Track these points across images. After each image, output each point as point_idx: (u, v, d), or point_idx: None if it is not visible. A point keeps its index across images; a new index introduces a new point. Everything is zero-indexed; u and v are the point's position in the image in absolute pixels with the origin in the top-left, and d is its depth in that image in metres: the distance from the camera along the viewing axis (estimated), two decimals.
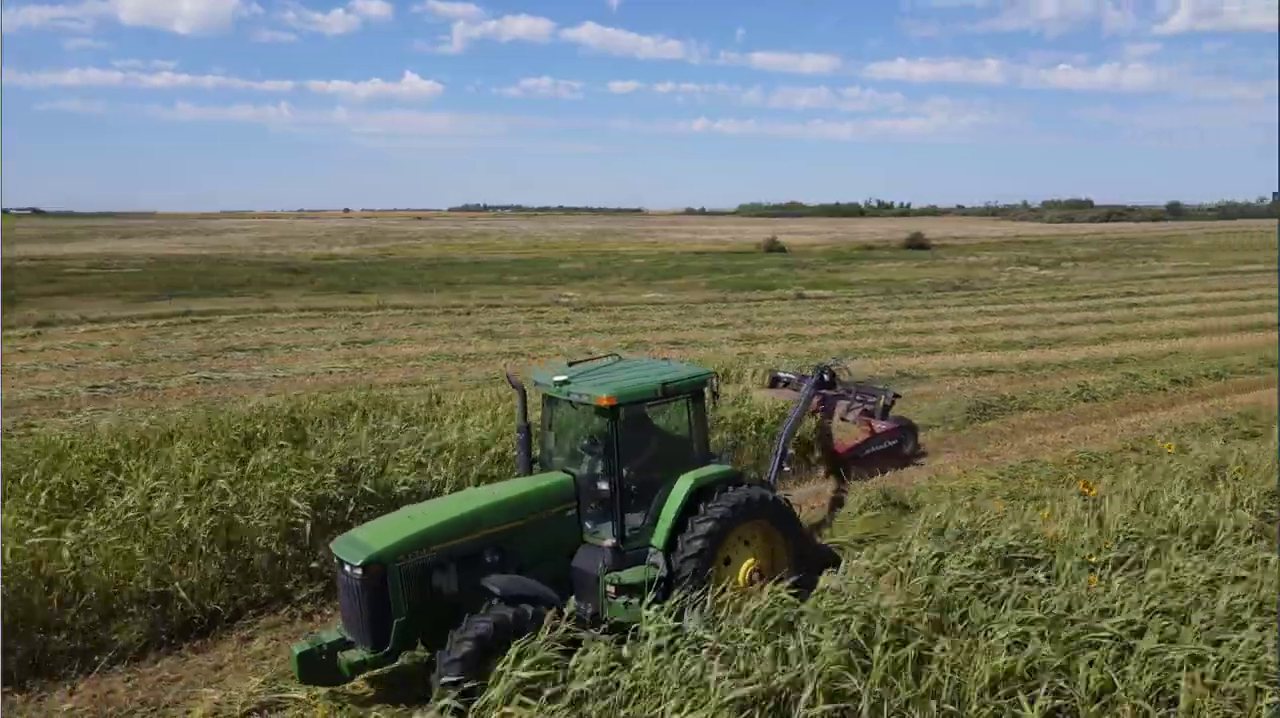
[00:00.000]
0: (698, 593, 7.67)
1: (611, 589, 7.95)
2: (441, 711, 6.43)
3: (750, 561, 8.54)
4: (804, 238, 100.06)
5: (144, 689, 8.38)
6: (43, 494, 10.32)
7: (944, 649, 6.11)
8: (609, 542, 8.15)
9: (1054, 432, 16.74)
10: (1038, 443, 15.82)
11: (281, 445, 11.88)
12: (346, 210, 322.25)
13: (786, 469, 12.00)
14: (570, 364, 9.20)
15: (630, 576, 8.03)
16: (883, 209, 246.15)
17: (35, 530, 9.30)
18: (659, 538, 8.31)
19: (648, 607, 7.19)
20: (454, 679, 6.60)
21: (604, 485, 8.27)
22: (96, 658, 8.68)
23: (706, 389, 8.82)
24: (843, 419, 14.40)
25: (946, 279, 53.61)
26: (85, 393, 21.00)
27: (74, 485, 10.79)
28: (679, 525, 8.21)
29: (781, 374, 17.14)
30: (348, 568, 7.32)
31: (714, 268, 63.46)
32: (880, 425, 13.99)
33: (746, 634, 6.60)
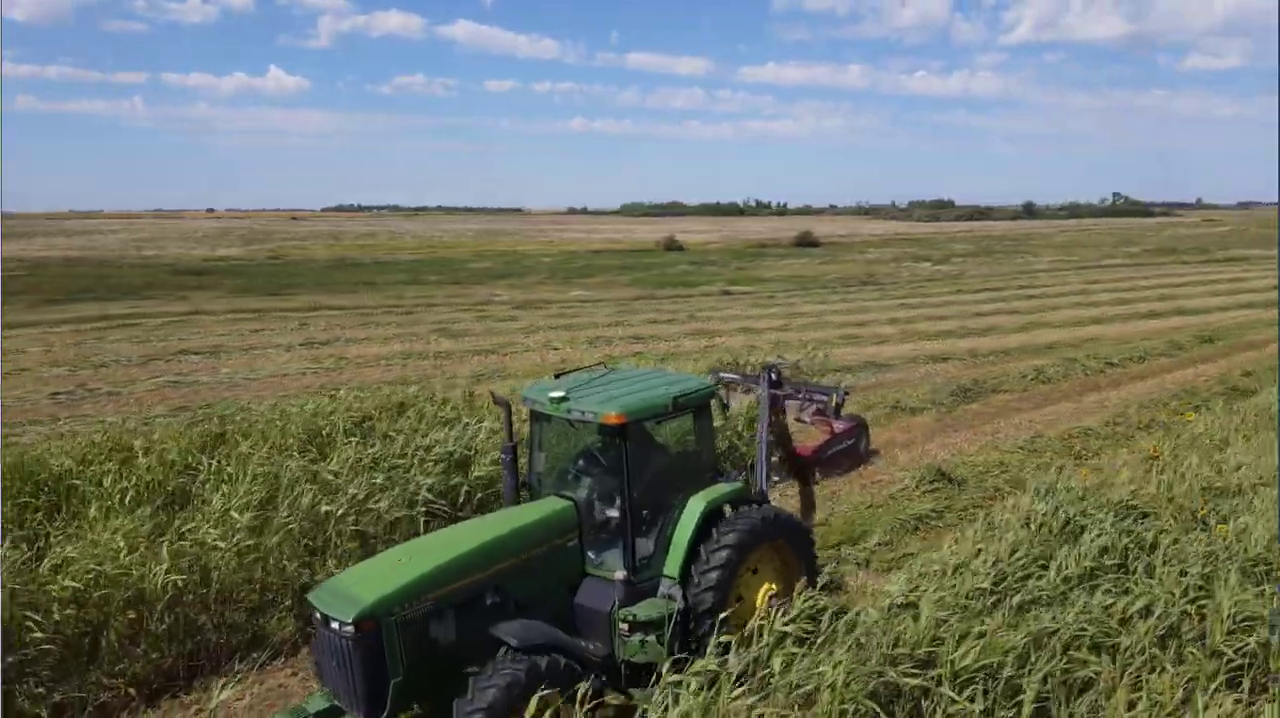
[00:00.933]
0: (715, 626, 6.96)
1: (625, 627, 7.15)
2: None
3: (767, 585, 7.89)
4: (698, 237, 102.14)
5: (312, 680, 8.46)
6: (126, 495, 10.08)
7: None
8: (620, 574, 7.29)
9: (1030, 411, 18.30)
10: (1025, 421, 17.29)
11: (353, 440, 11.92)
12: (211, 210, 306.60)
13: (775, 480, 11.17)
14: (557, 376, 8.40)
15: (645, 611, 7.23)
16: (761, 208, 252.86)
17: (140, 533, 9.11)
18: (673, 567, 7.53)
19: (668, 645, 6.82)
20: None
21: (612, 512, 7.51)
22: (255, 654, 8.69)
23: (714, 400, 8.22)
24: (797, 419, 13.62)
25: (852, 275, 56.21)
26: (47, 400, 19.94)
27: (163, 487, 10.56)
28: (692, 553, 7.52)
29: (724, 374, 16.75)
30: (335, 625, 6.24)
31: (625, 266, 64.27)
32: (839, 425, 13.49)
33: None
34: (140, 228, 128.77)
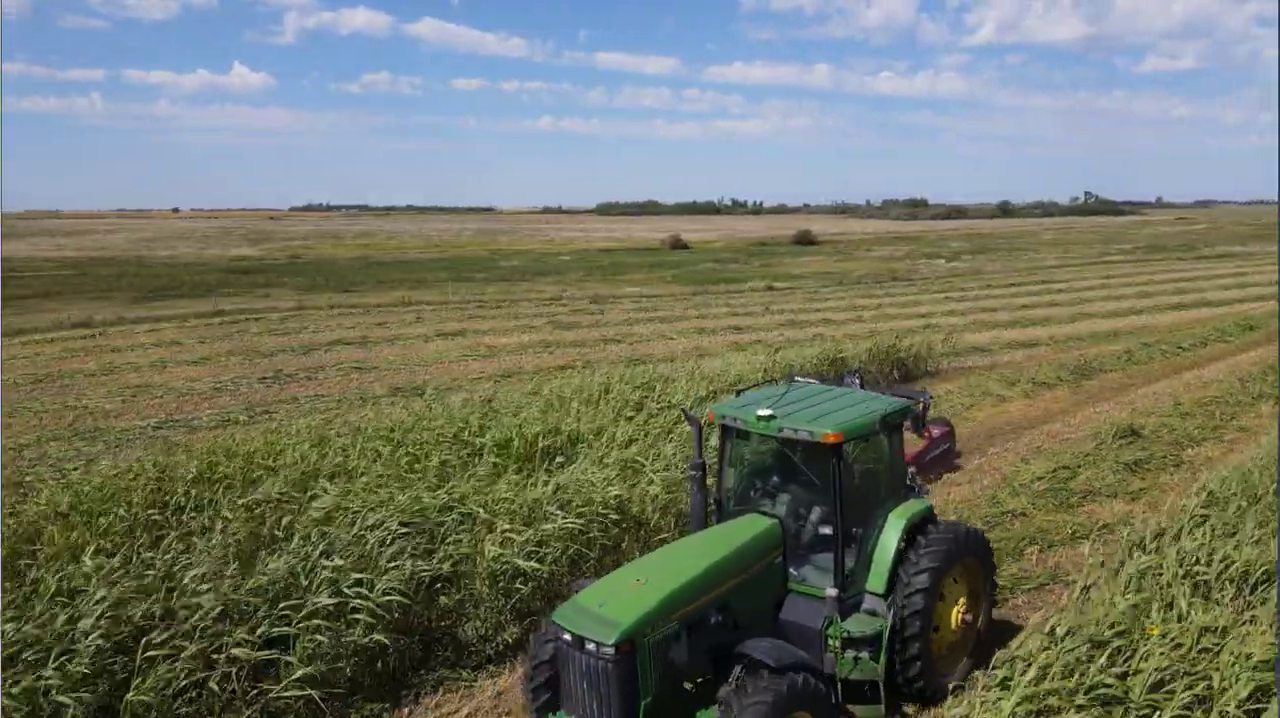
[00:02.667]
0: (923, 648, 7.37)
1: (837, 644, 7.27)
2: None
3: (961, 601, 8.09)
4: (699, 236, 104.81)
5: None
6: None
7: None
8: (831, 591, 7.38)
9: (1145, 385, 21.02)
10: (1149, 393, 20.00)
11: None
12: (176, 210, 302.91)
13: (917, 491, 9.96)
14: (739, 393, 8.71)
15: (858, 627, 7.36)
16: (738, 207, 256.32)
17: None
18: (877, 584, 7.64)
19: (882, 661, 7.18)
20: None
21: (827, 529, 7.62)
22: None
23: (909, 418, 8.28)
24: None
25: (876, 271, 59.14)
26: (259, 384, 21.95)
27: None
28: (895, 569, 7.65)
29: (800, 378, 16.69)
30: (592, 647, 6.28)
31: (653, 264, 66.72)
32: (935, 430, 13.57)
33: None
34: (137, 228, 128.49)
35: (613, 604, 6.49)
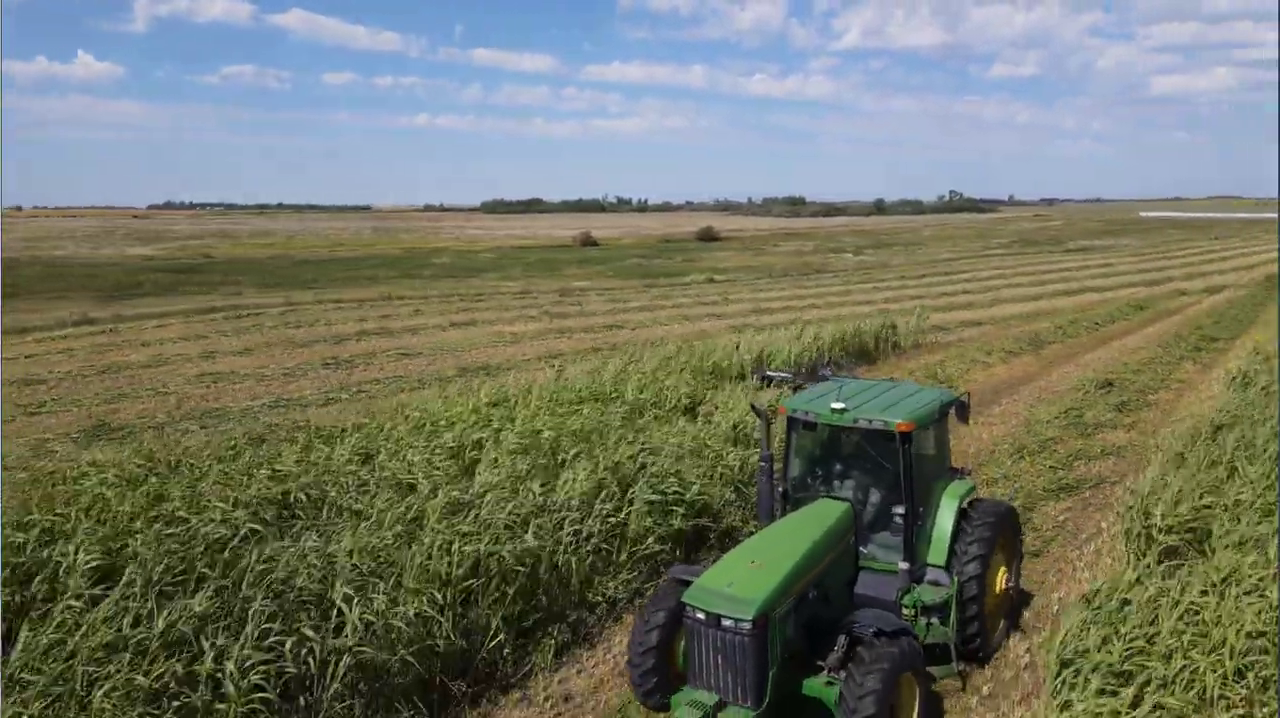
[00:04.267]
0: (980, 611, 8.26)
1: (911, 612, 8.08)
2: None
3: (1002, 570, 8.93)
4: (607, 233, 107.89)
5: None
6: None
7: None
8: (904, 565, 8.23)
9: (1092, 351, 25.52)
10: (1096, 358, 24.41)
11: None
12: (19, 208, 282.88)
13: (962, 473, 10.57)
14: (795, 390, 9.87)
15: (930, 596, 8.15)
16: (622, 205, 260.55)
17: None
18: (938, 557, 8.48)
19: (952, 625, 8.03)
20: (871, 711, 6.62)
21: (898, 509, 8.31)
22: None
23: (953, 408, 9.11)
24: None
25: (795, 265, 63.88)
26: (325, 369, 23.84)
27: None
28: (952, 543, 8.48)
29: (772, 373, 17.69)
30: (729, 623, 6.91)
31: (584, 260, 69.51)
32: None
33: None
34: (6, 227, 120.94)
35: (740, 584, 7.11)
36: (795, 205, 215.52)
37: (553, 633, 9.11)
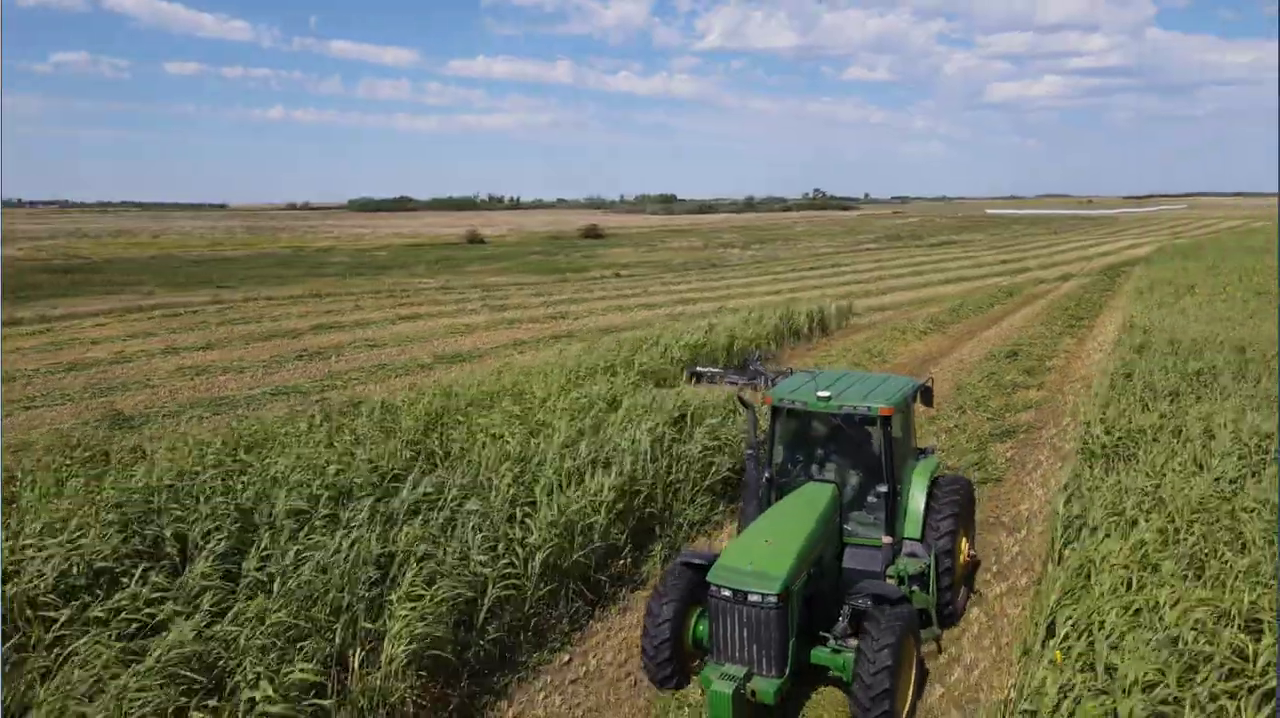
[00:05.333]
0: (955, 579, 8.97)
1: (894, 582, 8.57)
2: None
3: (964, 540, 9.60)
4: (493, 231, 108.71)
5: None
6: None
7: None
8: (887, 539, 8.80)
9: (983, 331, 29.33)
10: (991, 334, 28.20)
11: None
12: None
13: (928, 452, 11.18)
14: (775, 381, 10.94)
15: (913, 567, 8.69)
16: (494, 202, 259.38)
17: None
18: (913, 530, 9.07)
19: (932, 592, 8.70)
20: (890, 666, 7.11)
21: (882, 488, 8.89)
22: None
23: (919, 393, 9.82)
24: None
25: (691, 259, 67.11)
26: (299, 362, 24.91)
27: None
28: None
29: (702, 369, 18.03)
30: (756, 598, 7.39)
31: (486, 257, 70.56)
32: None
33: None
34: None
35: (760, 562, 7.63)
36: (668, 203, 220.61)
37: (657, 543, 11.37)
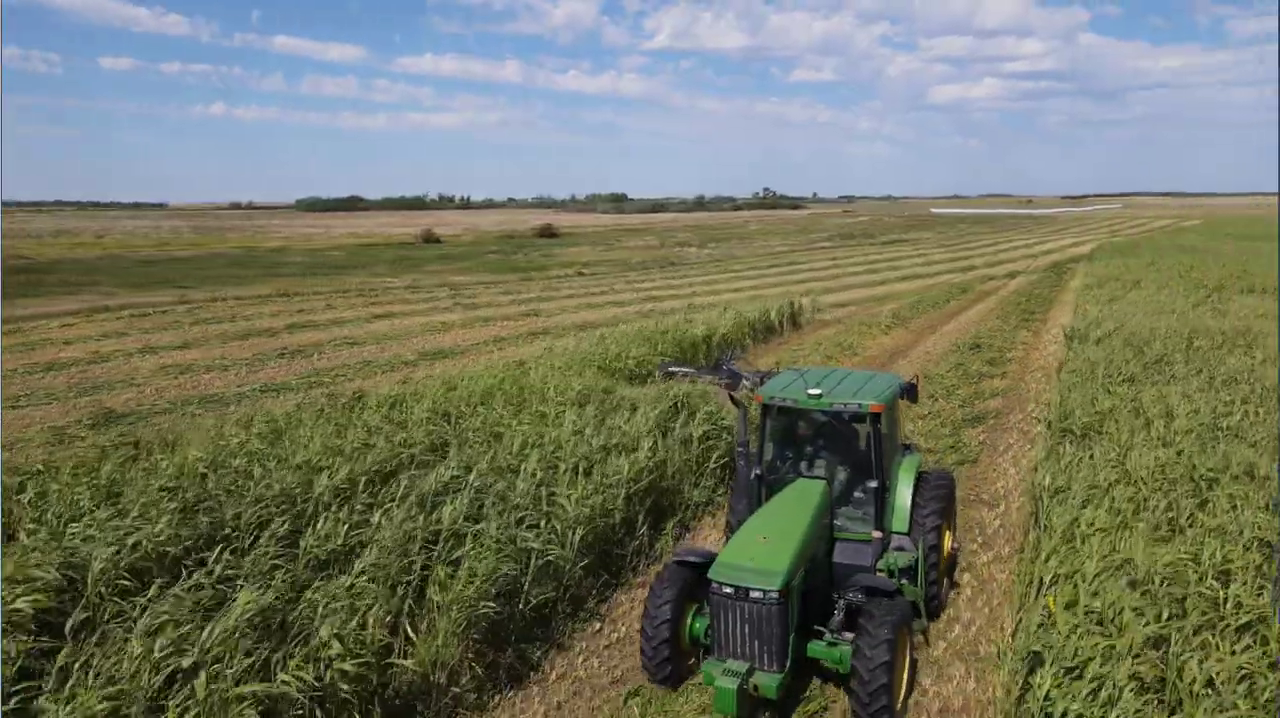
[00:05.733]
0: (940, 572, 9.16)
1: (886, 575, 8.65)
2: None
3: (948, 534, 9.73)
4: (447, 230, 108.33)
5: None
6: None
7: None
8: (877, 534, 8.92)
9: (943, 325, 30.63)
10: (951, 328, 29.49)
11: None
12: None
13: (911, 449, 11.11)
14: (762, 378, 10.88)
15: (903, 560, 8.79)
16: (445, 202, 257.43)
17: None
18: (901, 524, 9.16)
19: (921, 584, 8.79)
20: (888, 661, 7.20)
21: (872, 484, 9.01)
22: None
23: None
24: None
25: (650, 258, 67.94)
26: (281, 360, 25.16)
27: None
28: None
29: (675, 368, 18.10)
30: (757, 594, 7.47)
31: (443, 256, 70.58)
32: None
33: None
34: None
35: (761, 559, 7.72)
36: (618, 202, 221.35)
37: (669, 521, 12.14)
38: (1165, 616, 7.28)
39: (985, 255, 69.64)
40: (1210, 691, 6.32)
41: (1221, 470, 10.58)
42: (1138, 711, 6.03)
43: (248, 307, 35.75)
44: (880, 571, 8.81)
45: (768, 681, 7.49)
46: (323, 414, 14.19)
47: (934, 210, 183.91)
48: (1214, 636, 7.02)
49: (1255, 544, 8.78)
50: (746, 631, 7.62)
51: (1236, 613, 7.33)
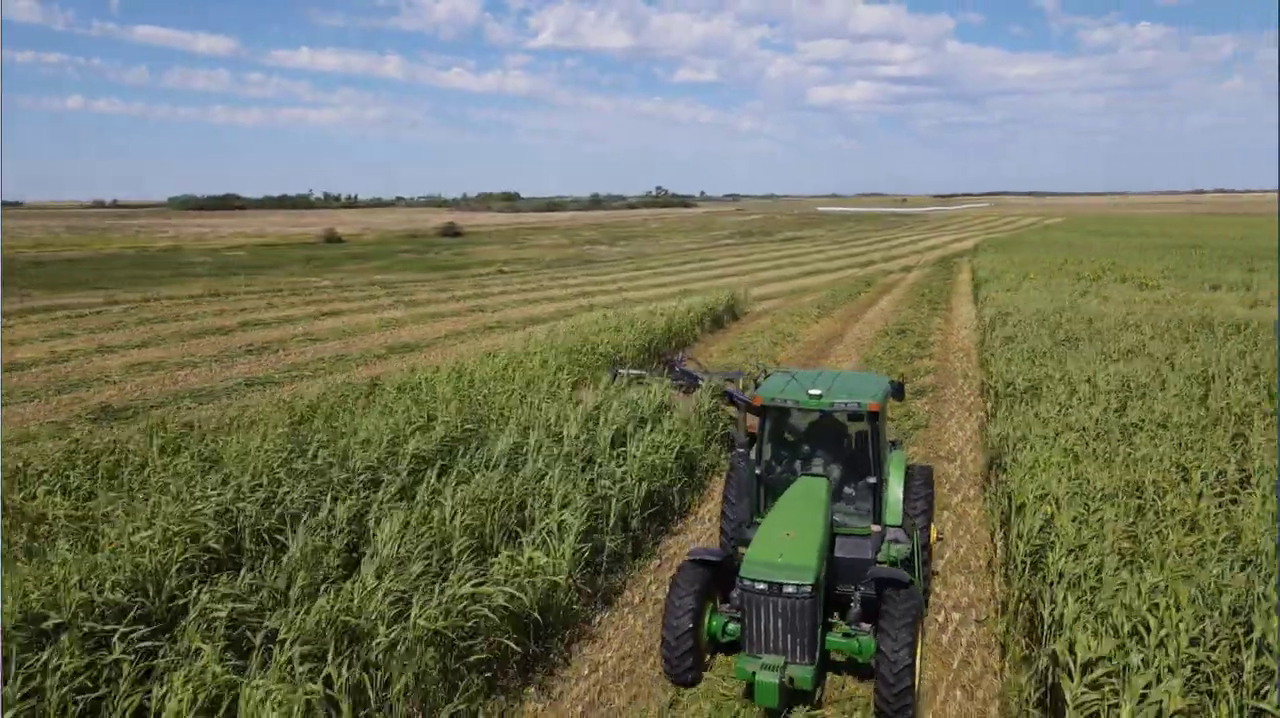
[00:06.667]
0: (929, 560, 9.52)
1: (888, 566, 8.88)
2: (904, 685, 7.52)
3: (933, 525, 10.04)
4: (348, 229, 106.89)
5: None
6: None
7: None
8: (876, 528, 9.20)
9: (865, 313, 33.52)
10: (872, 316, 32.37)
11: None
12: None
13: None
14: (756, 384, 10.69)
15: (900, 552, 9.12)
16: (331, 200, 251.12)
17: None
18: (895, 518, 9.48)
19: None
20: (910, 663, 7.54)
21: (871, 479, 9.33)
22: None
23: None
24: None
25: (563, 257, 69.51)
26: (249, 356, 25.81)
27: None
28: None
29: (623, 370, 18.19)
30: (791, 589, 7.67)
31: (356, 255, 70.23)
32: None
33: None
34: None
35: (789, 555, 7.94)
36: (511, 200, 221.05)
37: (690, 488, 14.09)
38: (1131, 518, 9.68)
39: (879, 251, 74.10)
40: (1175, 557, 8.68)
41: (1143, 421, 13.26)
42: (1116, 569, 8.30)
43: (185, 306, 35.62)
44: (882, 562, 9.09)
45: (803, 673, 7.73)
46: (368, 396, 15.46)
47: (820, 209, 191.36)
48: (1166, 528, 9.45)
49: (1177, 470, 11.37)
50: (780, 625, 7.81)
51: (1179, 509, 9.80)
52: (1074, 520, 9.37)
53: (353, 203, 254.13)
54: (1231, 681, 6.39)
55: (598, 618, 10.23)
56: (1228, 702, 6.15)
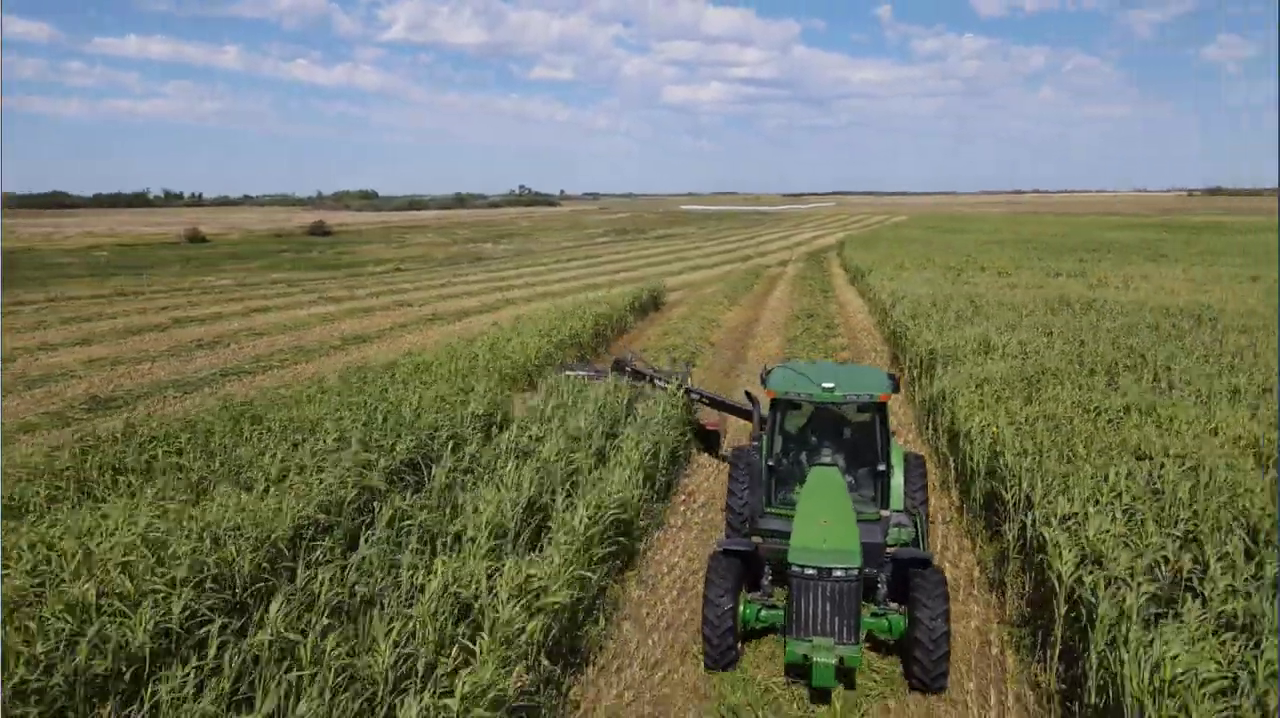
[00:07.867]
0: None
1: (894, 548, 9.40)
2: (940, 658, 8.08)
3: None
4: (208, 229, 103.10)
5: None
6: None
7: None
8: (885, 512, 9.75)
9: (765, 301, 36.96)
10: (775, 303, 35.78)
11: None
12: None
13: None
14: (764, 380, 10.68)
15: (905, 535, 9.59)
16: (173, 199, 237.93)
17: None
18: (898, 502, 10.16)
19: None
20: (946, 631, 8.06)
21: (880, 467, 9.79)
22: None
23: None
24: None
25: (451, 255, 70.40)
26: (201, 350, 26.54)
27: None
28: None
29: (570, 370, 18.04)
30: (840, 572, 8.06)
31: (234, 255, 68.72)
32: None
33: None
34: None
35: (833, 540, 8.37)
36: (370, 199, 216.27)
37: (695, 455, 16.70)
38: (1052, 435, 13.01)
39: (751, 247, 78.56)
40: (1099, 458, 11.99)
41: (1042, 373, 16.84)
42: (1069, 463, 11.50)
43: (101, 306, 35.16)
44: (892, 544, 9.50)
45: (853, 653, 8.07)
46: (390, 375, 17.24)
47: (684, 208, 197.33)
48: (1078, 441, 12.80)
49: (1075, 406, 14.87)
50: (828, 608, 8.14)
51: (1085, 431, 13.19)
52: (1015, 436, 12.54)
53: (198, 201, 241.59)
54: (1154, 517, 9.61)
55: (656, 534, 12.69)
56: (1154, 525, 9.35)
